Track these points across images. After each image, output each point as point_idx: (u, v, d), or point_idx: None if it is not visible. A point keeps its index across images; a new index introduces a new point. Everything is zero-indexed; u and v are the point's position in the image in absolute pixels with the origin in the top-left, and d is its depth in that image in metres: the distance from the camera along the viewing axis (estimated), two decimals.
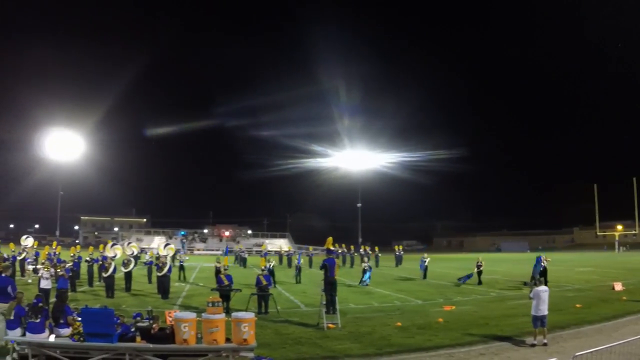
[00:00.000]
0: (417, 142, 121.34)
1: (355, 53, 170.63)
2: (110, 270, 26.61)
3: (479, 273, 33.91)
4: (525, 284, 30.59)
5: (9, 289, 14.56)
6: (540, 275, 31.66)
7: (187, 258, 49.15)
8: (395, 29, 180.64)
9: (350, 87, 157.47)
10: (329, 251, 21.61)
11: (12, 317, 12.91)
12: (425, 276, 37.79)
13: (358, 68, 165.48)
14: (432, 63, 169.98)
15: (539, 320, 15.24)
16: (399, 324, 18.62)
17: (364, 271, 33.39)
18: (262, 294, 21.50)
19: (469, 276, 33.73)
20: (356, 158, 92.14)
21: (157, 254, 33.95)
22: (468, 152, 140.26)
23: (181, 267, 36.96)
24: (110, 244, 34.13)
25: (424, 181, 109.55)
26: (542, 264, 31.73)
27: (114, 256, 29.88)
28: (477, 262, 34.46)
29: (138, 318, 13.23)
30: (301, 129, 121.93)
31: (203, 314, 11.96)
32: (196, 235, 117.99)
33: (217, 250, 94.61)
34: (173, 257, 41.28)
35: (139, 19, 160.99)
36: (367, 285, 32.07)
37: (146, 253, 52.86)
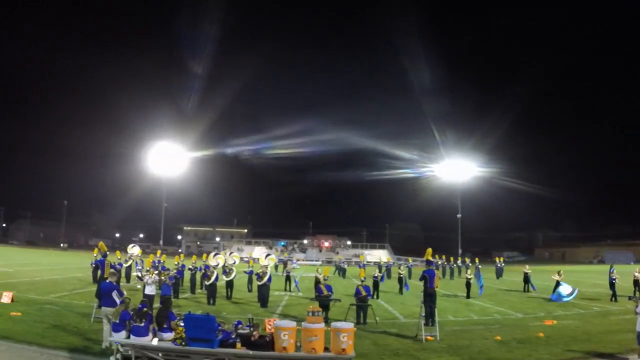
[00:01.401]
0: (518, 150, 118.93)
1: (454, 63, 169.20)
2: (213, 278, 27.16)
3: (557, 285, 32.39)
4: (629, 298, 29.19)
5: (114, 293, 15.06)
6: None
7: (297, 267, 49.67)
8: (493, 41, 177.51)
9: (449, 96, 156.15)
10: (428, 262, 21.38)
11: (117, 321, 13.33)
12: (527, 289, 36.81)
13: (458, 77, 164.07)
14: (530, 67, 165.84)
15: None
16: (499, 337, 18.11)
17: (468, 284, 32.92)
18: (361, 305, 21.42)
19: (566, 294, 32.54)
20: (455, 168, 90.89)
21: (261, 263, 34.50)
22: (571, 160, 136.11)
23: (287, 278, 37.22)
24: (212, 253, 34.87)
25: (525, 190, 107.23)
26: (613, 277, 30.53)
27: (216, 265, 30.44)
28: (557, 274, 33.00)
29: (239, 325, 13.41)
30: (400, 140, 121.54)
31: (303, 323, 12.00)
32: (296, 245, 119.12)
33: (317, 260, 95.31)
34: (284, 267, 41.81)
35: (241, 35, 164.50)
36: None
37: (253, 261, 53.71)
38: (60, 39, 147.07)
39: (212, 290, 26.94)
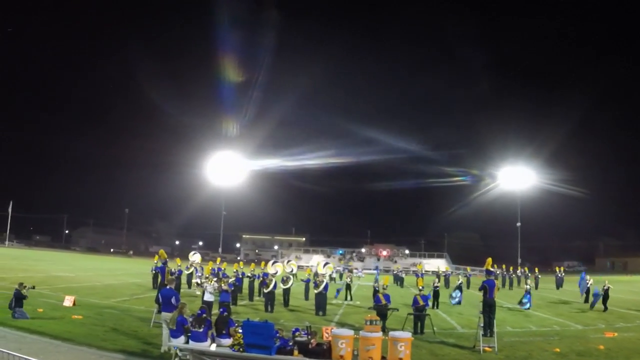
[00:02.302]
0: (578, 157, 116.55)
1: (512, 70, 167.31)
2: (271, 286, 27.37)
3: (605, 298, 31.01)
4: None
5: (173, 299, 15.35)
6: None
7: (363, 276, 49.56)
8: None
9: (508, 103, 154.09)
10: (488, 272, 21.18)
11: (174, 327, 13.59)
12: (587, 300, 35.95)
13: (517, 83, 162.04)
14: (591, 73, 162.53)
15: None
16: (557, 349, 17.76)
17: (526, 293, 32.23)
18: (419, 314, 21.31)
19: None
20: (515, 175, 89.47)
21: (317, 271, 34.65)
22: (632, 167, 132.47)
23: (347, 287, 37.08)
24: (271, 261, 35.20)
25: (585, 198, 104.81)
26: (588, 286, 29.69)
27: (275, 273, 30.70)
28: (604, 286, 31.44)
29: (297, 332, 13.49)
30: (458, 148, 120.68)
31: (360, 332, 12.01)
32: (354, 254, 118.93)
33: (374, 269, 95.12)
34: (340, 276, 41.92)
35: (299, 44, 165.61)
36: (527, 309, 30.68)
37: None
38: (121, 54, 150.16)
39: (270, 298, 27.14)
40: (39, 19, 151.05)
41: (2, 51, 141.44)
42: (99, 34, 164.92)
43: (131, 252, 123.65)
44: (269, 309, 26.65)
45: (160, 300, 16.24)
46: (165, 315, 15.24)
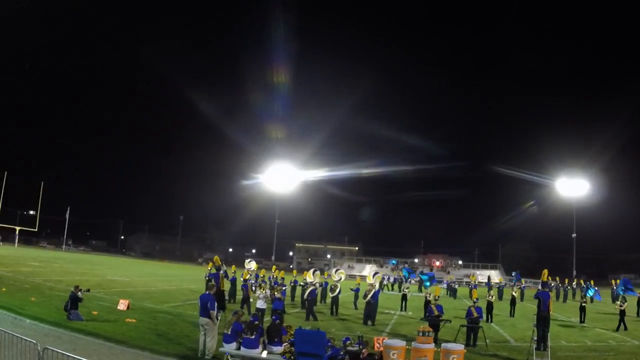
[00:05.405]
0: (635, 165, 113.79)
1: (566, 80, 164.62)
2: (307, 292, 27.54)
3: (622, 314, 28.68)
4: None
5: (208, 305, 15.51)
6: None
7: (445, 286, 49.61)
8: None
9: (562, 111, 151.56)
10: (543, 284, 20.89)
11: (229, 332, 13.72)
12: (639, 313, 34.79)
13: (571, 91, 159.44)
14: None
15: None
16: None
17: (582, 307, 31.45)
18: (472, 326, 21.07)
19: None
20: (570, 185, 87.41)
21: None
22: None
23: (404, 297, 36.93)
24: (311, 270, 35.31)
25: None
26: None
27: (313, 282, 30.78)
28: (620, 304, 29.54)
29: (348, 342, 13.50)
30: (512, 158, 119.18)
31: (413, 343, 11.97)
32: (406, 264, 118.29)
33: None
34: (400, 286, 41.69)
35: (350, 57, 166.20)
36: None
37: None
38: (175, 66, 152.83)
39: (310, 306, 27.21)
40: (100, 37, 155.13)
41: (65, 64, 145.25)
42: (154, 48, 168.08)
43: (200, 260, 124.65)
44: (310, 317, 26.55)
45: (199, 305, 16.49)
46: (202, 319, 15.48)
